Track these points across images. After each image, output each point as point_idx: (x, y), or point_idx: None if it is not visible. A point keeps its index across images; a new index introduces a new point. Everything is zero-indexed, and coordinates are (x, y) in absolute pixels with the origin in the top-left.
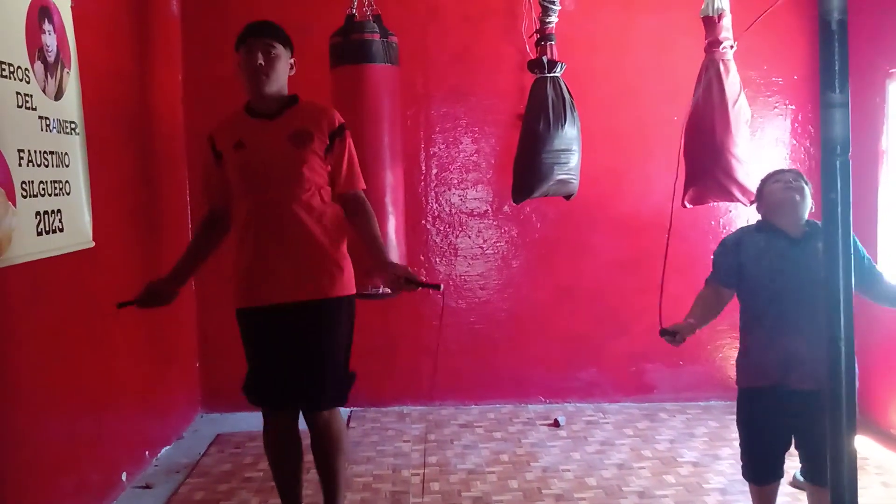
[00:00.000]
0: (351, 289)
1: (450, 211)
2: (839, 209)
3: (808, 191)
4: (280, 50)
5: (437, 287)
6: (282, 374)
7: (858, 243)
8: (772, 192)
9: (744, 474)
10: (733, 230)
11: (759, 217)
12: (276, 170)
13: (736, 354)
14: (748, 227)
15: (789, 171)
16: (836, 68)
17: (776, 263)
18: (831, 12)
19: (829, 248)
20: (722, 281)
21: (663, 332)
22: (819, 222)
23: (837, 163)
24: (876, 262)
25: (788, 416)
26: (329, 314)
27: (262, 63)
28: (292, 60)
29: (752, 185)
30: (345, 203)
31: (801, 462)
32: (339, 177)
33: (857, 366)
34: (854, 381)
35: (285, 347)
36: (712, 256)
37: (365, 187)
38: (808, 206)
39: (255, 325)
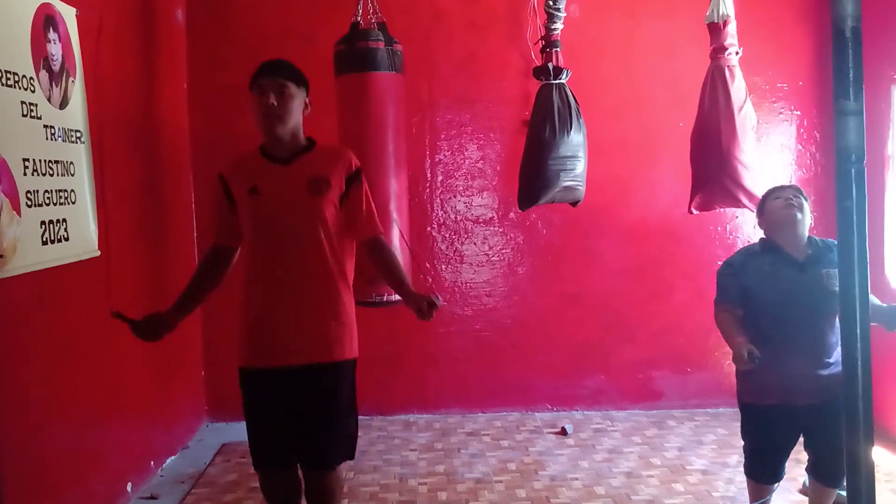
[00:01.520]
0: (355, 351)
1: (455, 218)
2: (854, 217)
3: (807, 207)
4: (293, 90)
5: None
6: (289, 434)
7: None
8: (773, 209)
9: (745, 471)
10: (740, 236)
11: (760, 232)
12: (291, 220)
13: None
14: (752, 247)
15: (789, 187)
16: (851, 76)
17: (783, 287)
18: (845, 19)
19: (845, 255)
20: (733, 301)
21: (739, 358)
22: (820, 240)
23: (853, 171)
24: (884, 267)
25: (793, 428)
26: (334, 377)
27: (275, 104)
28: (307, 100)
29: (759, 190)
30: (366, 246)
31: (808, 459)
32: (360, 222)
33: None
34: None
35: (294, 408)
36: (717, 277)
37: (383, 231)
38: (809, 222)
39: (261, 385)
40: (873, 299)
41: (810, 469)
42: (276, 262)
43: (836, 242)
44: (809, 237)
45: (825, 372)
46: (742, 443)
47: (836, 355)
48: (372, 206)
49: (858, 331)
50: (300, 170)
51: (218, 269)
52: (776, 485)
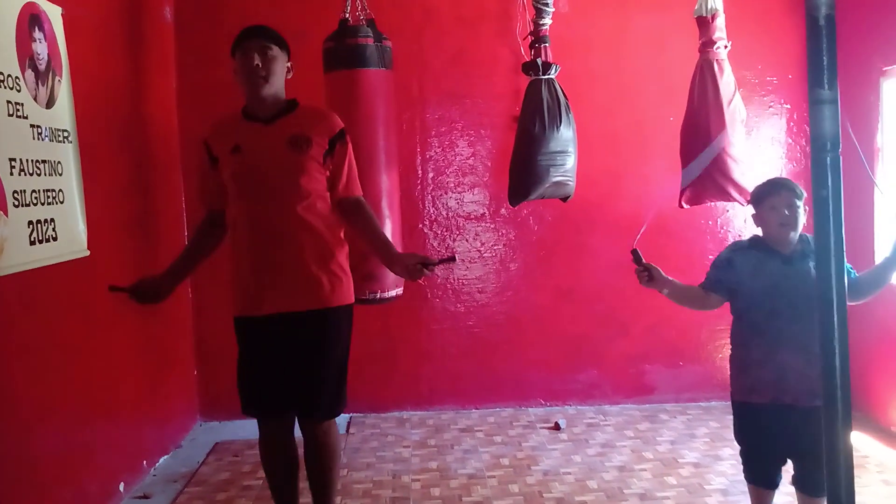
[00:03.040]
0: (350, 297)
1: (447, 214)
2: (830, 206)
3: (802, 210)
4: (277, 52)
5: (452, 259)
6: (280, 383)
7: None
8: (770, 222)
9: (746, 477)
10: (731, 230)
11: (751, 226)
12: (273, 176)
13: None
14: (740, 243)
15: (786, 188)
16: (825, 64)
17: (771, 281)
18: (819, 7)
19: (821, 244)
20: (713, 288)
21: (635, 252)
22: (808, 235)
23: (828, 159)
24: (873, 260)
25: (783, 429)
26: (329, 323)
27: (259, 64)
28: (289, 63)
29: (749, 184)
30: (345, 208)
31: (794, 471)
32: (339, 182)
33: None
34: (848, 381)
35: (285, 356)
36: (708, 271)
37: (362, 193)
38: (802, 224)
39: (253, 333)
40: (866, 272)
41: (796, 481)
42: (261, 216)
43: None
44: (801, 234)
45: (817, 372)
46: (739, 446)
47: None
48: (354, 169)
49: (836, 318)
50: (281, 128)
51: (213, 233)
52: (773, 493)
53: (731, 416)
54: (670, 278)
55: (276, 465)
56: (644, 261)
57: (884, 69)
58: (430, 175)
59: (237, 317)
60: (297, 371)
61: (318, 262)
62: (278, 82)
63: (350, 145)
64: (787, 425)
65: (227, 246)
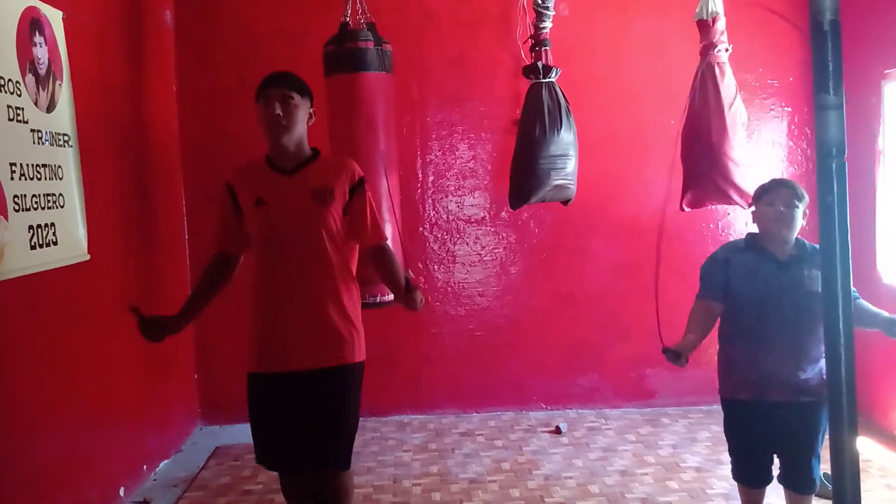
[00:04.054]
0: (364, 354)
1: (447, 218)
2: (836, 212)
3: (802, 209)
4: (298, 100)
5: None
6: (296, 438)
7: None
8: (765, 216)
9: (733, 475)
10: (732, 233)
11: (752, 229)
12: (296, 230)
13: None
14: (737, 243)
15: (787, 187)
16: (830, 69)
17: (762, 284)
18: (823, 12)
19: (827, 251)
20: (713, 297)
21: (666, 351)
22: (809, 244)
23: (833, 165)
24: (875, 263)
25: (769, 425)
26: (351, 379)
27: (280, 114)
28: (312, 109)
29: (750, 187)
30: (371, 254)
31: (780, 468)
32: (365, 230)
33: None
34: (854, 385)
35: (301, 412)
36: (700, 271)
37: (387, 238)
38: (800, 226)
39: (270, 390)
40: (871, 306)
41: (782, 479)
42: (283, 271)
43: None
44: (798, 239)
45: (804, 375)
46: (728, 443)
47: (819, 363)
48: (376, 214)
49: (841, 325)
50: (304, 180)
51: (222, 277)
52: (764, 491)
53: None
54: (689, 336)
55: None
56: (673, 349)
57: (885, 72)
58: (431, 178)
59: (255, 373)
60: (316, 426)
61: (342, 318)
62: (300, 130)
63: (369, 193)
64: (772, 421)
65: (247, 298)
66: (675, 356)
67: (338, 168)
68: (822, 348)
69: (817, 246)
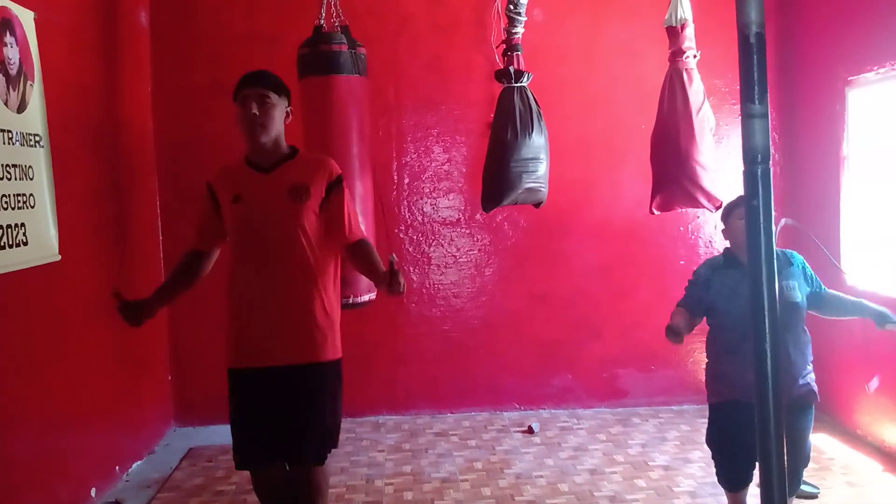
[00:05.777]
0: (339, 352)
1: (422, 220)
2: (761, 216)
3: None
4: (275, 99)
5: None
6: (271, 432)
7: (809, 268)
8: (737, 231)
9: (719, 481)
10: (701, 235)
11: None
12: (272, 227)
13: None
14: (716, 260)
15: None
16: (756, 80)
17: (746, 303)
18: (749, 26)
19: (752, 252)
20: (692, 312)
21: (669, 329)
22: (783, 251)
23: (759, 171)
24: (839, 264)
25: (750, 425)
26: (319, 377)
27: (257, 113)
28: (289, 108)
29: (718, 191)
30: (351, 251)
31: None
32: (343, 227)
33: (812, 370)
34: (780, 384)
35: (277, 407)
36: (687, 283)
37: (364, 235)
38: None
39: (247, 385)
40: (843, 295)
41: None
42: (259, 267)
43: (793, 253)
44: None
45: (792, 386)
46: (710, 450)
47: (805, 373)
48: (354, 212)
49: (767, 324)
50: (281, 177)
51: (195, 273)
52: (746, 491)
53: (702, 420)
54: (681, 321)
55: None
56: (674, 328)
57: (848, 79)
58: (406, 181)
59: (233, 368)
60: (291, 420)
61: (316, 315)
62: (277, 129)
63: (347, 191)
64: (751, 421)
65: (224, 295)
66: (676, 334)
67: (315, 166)
68: (808, 358)
69: (787, 251)
